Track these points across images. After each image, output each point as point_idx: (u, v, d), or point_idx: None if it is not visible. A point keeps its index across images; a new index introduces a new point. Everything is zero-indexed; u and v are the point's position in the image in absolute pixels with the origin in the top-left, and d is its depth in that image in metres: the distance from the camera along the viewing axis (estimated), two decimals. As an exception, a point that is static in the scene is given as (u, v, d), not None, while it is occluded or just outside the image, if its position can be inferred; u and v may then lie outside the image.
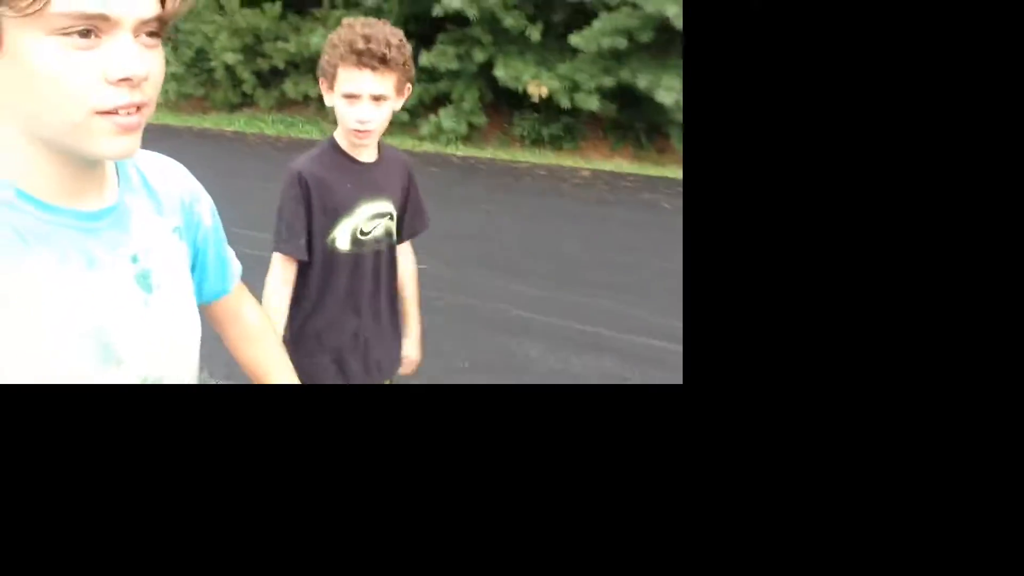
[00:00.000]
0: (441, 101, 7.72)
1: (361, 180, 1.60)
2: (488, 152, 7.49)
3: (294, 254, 1.57)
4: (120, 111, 0.66)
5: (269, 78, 8.87)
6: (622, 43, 6.28)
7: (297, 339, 1.62)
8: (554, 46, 6.86)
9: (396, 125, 7.91)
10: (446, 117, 7.56)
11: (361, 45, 1.44)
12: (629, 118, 7.12)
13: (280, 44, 8.31)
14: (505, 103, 7.73)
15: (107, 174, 0.77)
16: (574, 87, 6.69)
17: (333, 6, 8.23)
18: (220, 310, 1.03)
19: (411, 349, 1.83)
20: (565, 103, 6.74)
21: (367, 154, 1.62)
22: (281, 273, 1.59)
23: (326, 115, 8.45)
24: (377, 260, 1.66)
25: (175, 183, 0.88)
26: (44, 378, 0.67)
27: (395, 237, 1.70)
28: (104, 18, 0.62)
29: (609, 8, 6.39)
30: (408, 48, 1.52)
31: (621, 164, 7.04)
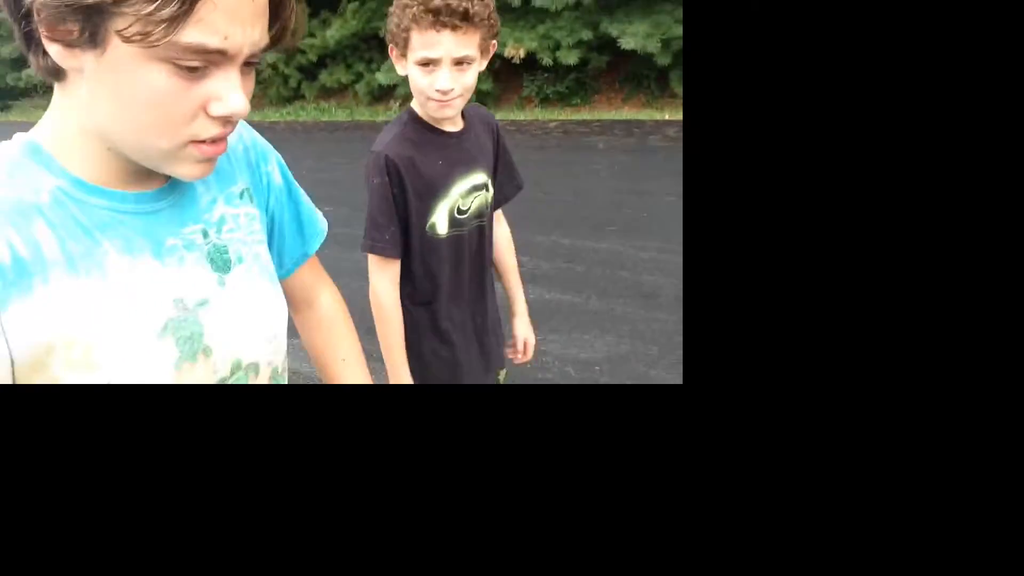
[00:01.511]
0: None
1: (452, 154, 1.38)
2: (502, 114, 8.15)
3: (383, 252, 1.36)
4: (210, 139, 0.63)
5: (310, 70, 9.86)
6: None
7: (416, 338, 1.44)
8: (535, 7, 7.39)
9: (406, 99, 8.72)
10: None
11: (438, 2, 1.22)
12: (612, 68, 7.56)
13: (310, 40, 9.23)
14: (518, 68, 8.33)
15: None
16: (556, 45, 7.23)
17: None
18: (295, 288, 0.92)
19: (524, 328, 1.62)
20: (547, 61, 7.30)
21: (452, 123, 1.40)
22: (384, 275, 1.39)
23: (360, 99, 9.37)
24: (480, 236, 1.46)
25: (237, 142, 0.80)
26: (133, 379, 0.64)
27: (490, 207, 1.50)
28: (222, 54, 0.59)
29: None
30: (488, 1, 1.29)
31: (629, 113, 7.49)
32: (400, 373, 1.41)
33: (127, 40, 0.56)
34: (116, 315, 0.63)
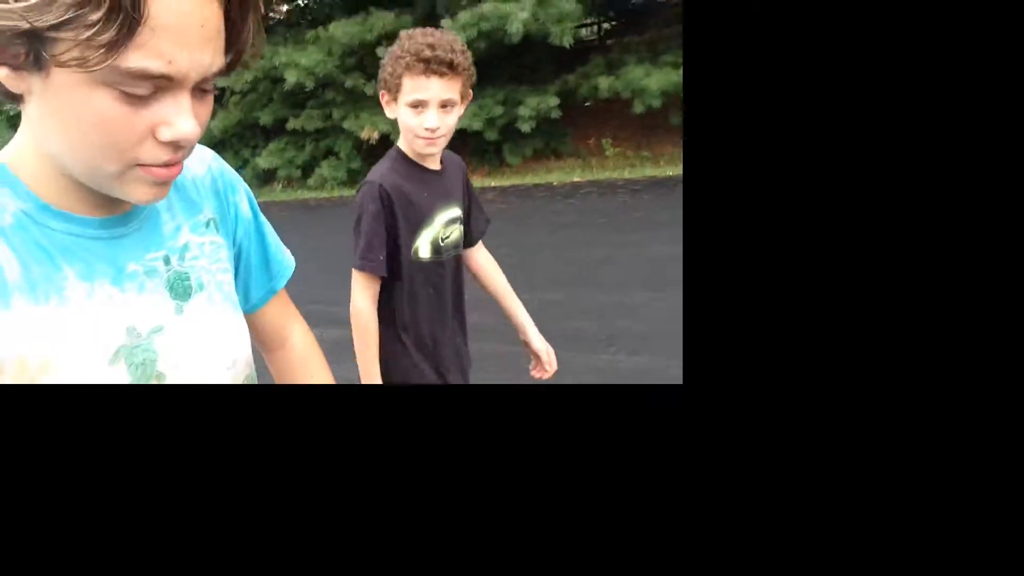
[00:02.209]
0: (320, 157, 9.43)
1: (434, 188, 1.59)
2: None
3: (375, 271, 1.53)
4: (160, 164, 0.61)
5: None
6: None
7: (397, 354, 1.59)
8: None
9: (288, 180, 9.65)
10: (328, 167, 9.24)
11: (428, 53, 1.46)
12: (460, 146, 8.61)
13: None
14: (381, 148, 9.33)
15: None
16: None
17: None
18: (265, 326, 0.92)
19: (540, 341, 1.77)
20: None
21: (433, 162, 1.61)
22: (364, 291, 1.55)
23: (249, 181, 10.22)
24: (456, 266, 1.67)
25: (204, 171, 0.79)
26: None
27: (464, 240, 1.70)
28: (167, 78, 0.57)
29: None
30: (469, 54, 1.55)
31: (478, 180, 8.51)
32: (372, 373, 1.56)
33: (61, 65, 0.55)
34: (69, 340, 0.63)
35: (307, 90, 9.04)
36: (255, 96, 9.69)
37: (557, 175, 7.95)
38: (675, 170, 7.18)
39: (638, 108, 7.21)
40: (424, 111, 1.50)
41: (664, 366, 3.08)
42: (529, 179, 7.96)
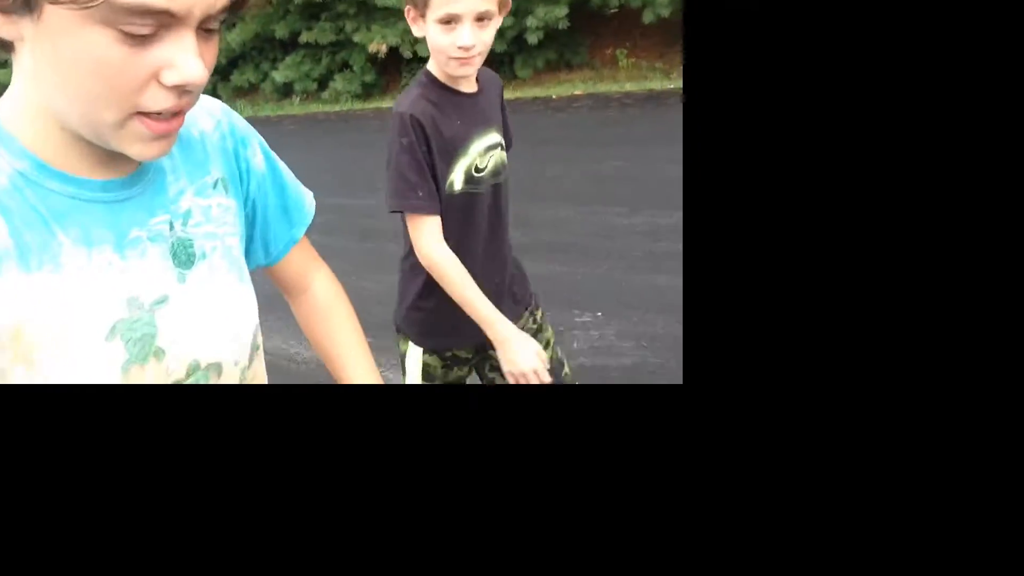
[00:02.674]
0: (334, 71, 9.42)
1: (468, 113, 1.41)
2: (375, 103, 9.12)
3: (415, 209, 1.37)
4: (164, 113, 0.58)
5: (223, 72, 10.79)
6: None
7: (431, 295, 1.44)
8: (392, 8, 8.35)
9: (305, 93, 9.70)
10: (341, 80, 9.25)
11: None
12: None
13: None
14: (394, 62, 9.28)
15: None
16: (415, 39, 8.19)
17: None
18: (286, 274, 0.88)
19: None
20: (407, 54, 8.27)
21: (468, 84, 1.42)
22: (432, 233, 1.37)
23: (267, 96, 10.31)
24: (495, 196, 1.47)
25: (212, 128, 0.74)
26: (79, 379, 0.60)
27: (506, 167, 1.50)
28: (169, 14, 0.53)
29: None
30: None
31: None
32: (492, 319, 1.38)
33: (55, 2, 0.50)
34: (64, 313, 0.59)
35: (320, 2, 8.96)
36: (271, 8, 9.64)
37: (559, 89, 7.87)
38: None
39: (647, 18, 7.05)
40: (457, 27, 1.29)
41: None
42: (536, 92, 7.89)
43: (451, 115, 1.39)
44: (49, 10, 0.52)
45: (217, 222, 0.73)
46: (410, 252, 1.44)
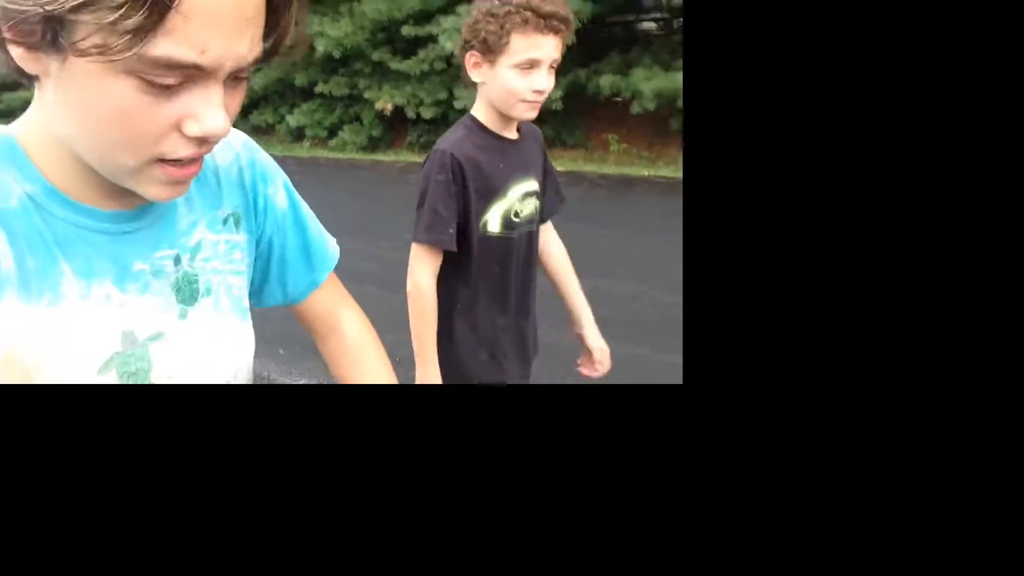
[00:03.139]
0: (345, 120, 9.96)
1: (510, 158, 1.46)
2: (379, 156, 9.59)
3: (443, 244, 1.40)
4: (184, 160, 0.57)
5: (244, 110, 11.32)
6: (440, 66, 8.24)
7: (452, 337, 1.47)
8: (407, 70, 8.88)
9: (315, 139, 10.19)
10: (349, 132, 9.76)
11: (547, 8, 1.32)
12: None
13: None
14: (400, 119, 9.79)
15: None
16: (419, 102, 8.70)
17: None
18: (313, 315, 0.86)
19: (597, 338, 1.64)
20: (411, 114, 8.77)
21: (511, 131, 1.48)
22: (427, 266, 1.42)
23: (281, 138, 10.82)
24: (529, 243, 1.53)
25: (231, 160, 0.73)
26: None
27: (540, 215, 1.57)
28: (198, 69, 0.52)
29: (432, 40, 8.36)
30: None
31: None
32: (428, 360, 1.43)
33: (82, 54, 0.50)
34: (60, 343, 0.59)
35: (339, 58, 9.52)
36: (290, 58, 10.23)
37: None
38: (666, 171, 7.47)
39: (635, 109, 7.49)
40: (535, 71, 1.36)
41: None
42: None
43: (494, 158, 1.45)
44: (70, 59, 0.52)
45: (224, 258, 0.72)
46: (447, 268, 1.46)
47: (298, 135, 10.58)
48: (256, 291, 0.81)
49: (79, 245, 0.61)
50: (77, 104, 0.55)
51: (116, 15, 0.48)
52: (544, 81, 1.37)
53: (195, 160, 0.59)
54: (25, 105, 0.63)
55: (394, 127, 9.91)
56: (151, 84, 0.53)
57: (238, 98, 0.60)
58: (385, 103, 8.77)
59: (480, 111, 1.47)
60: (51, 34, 0.51)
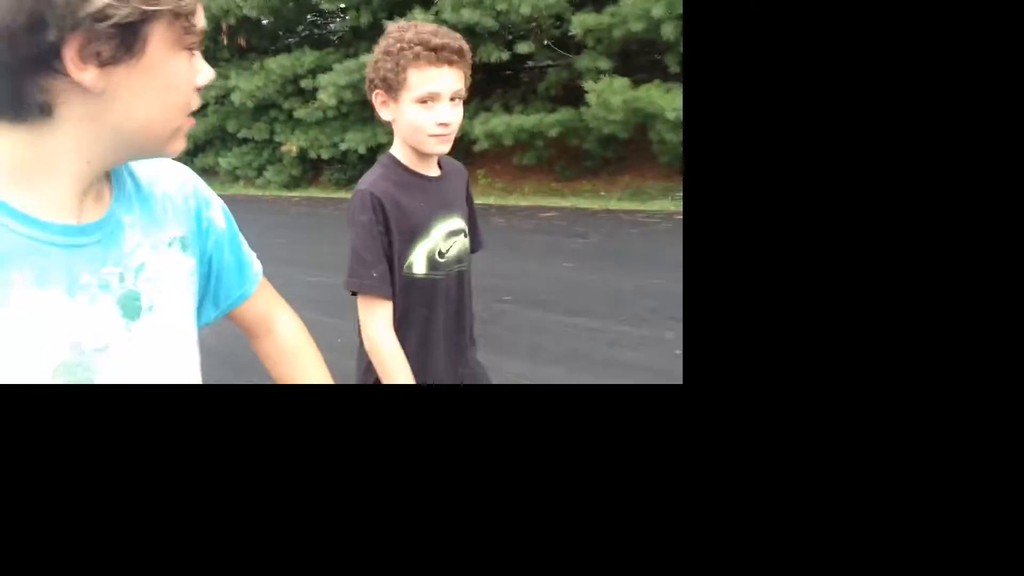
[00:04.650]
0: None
1: (432, 197, 1.43)
2: (300, 192, 10.93)
3: (365, 289, 1.36)
4: (193, 112, 0.71)
5: (192, 152, 12.81)
6: (332, 113, 9.59)
7: (377, 381, 1.41)
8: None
9: (247, 179, 11.60)
10: (272, 171, 11.17)
11: (437, 41, 1.32)
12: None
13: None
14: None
15: (104, 185, 0.72)
16: (320, 144, 10.07)
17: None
18: (249, 319, 0.94)
19: None
20: (313, 155, 10.15)
21: (432, 168, 1.46)
22: (377, 316, 1.37)
23: (221, 178, 12.25)
24: (459, 283, 1.49)
25: (176, 188, 0.81)
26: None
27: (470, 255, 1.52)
28: (203, 32, 0.68)
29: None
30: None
31: None
32: None
33: (177, 42, 0.65)
34: (10, 349, 0.63)
35: (261, 107, 10.95)
36: (225, 108, 11.71)
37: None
38: (506, 201, 8.62)
39: (476, 148, 8.62)
40: (435, 105, 1.36)
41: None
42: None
43: (414, 196, 1.42)
44: (153, 46, 0.64)
45: (169, 279, 0.77)
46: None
47: (235, 176, 12.01)
48: (195, 310, 0.83)
49: (32, 256, 0.65)
50: (152, 90, 0.66)
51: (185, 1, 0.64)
52: (447, 114, 1.37)
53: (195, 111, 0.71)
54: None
55: (315, 166, 11.28)
56: (192, 53, 0.68)
57: None
58: (290, 146, 10.15)
59: (397, 149, 1.47)
60: (127, 42, 0.62)
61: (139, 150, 0.70)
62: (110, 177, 0.73)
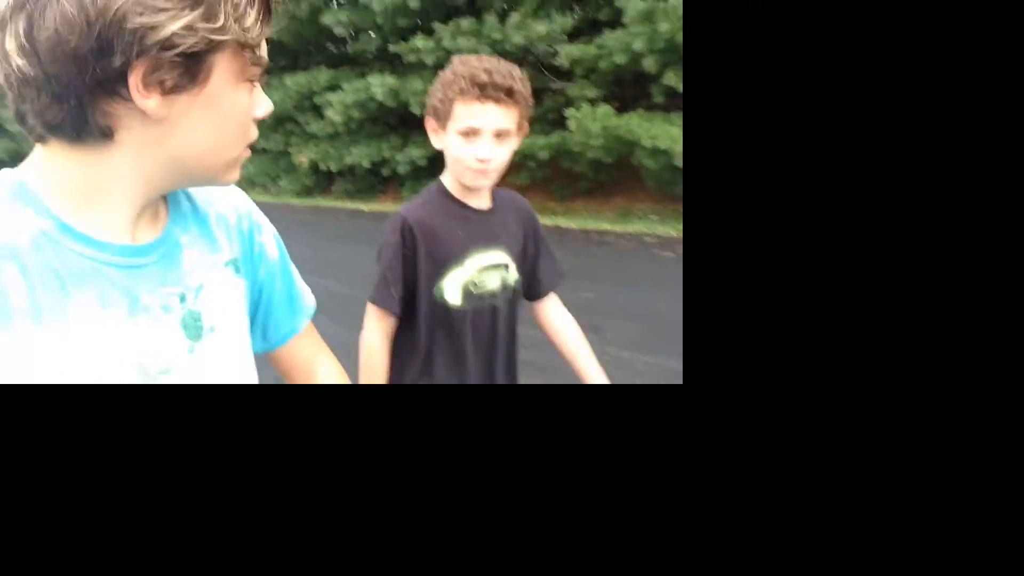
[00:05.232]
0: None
1: (473, 228, 1.46)
2: (314, 202, 11.45)
3: (386, 306, 1.44)
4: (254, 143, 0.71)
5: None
6: (342, 128, 10.09)
7: (427, 375, 1.47)
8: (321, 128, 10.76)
9: (264, 186, 12.15)
10: (286, 180, 11.72)
11: (484, 78, 1.35)
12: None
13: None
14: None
15: (160, 205, 0.73)
16: (329, 157, 10.58)
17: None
18: (290, 362, 0.93)
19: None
20: (324, 167, 10.65)
21: (480, 200, 1.48)
22: (377, 325, 1.45)
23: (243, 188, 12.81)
24: (494, 317, 1.49)
25: (230, 211, 0.82)
26: None
27: (518, 291, 1.54)
28: (265, 65, 0.68)
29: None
30: (528, 83, 1.42)
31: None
32: None
33: (248, 70, 0.66)
34: (74, 371, 0.63)
35: (277, 120, 11.49)
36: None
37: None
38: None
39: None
40: (476, 140, 1.39)
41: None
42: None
43: (452, 224, 1.45)
44: (217, 76, 0.64)
45: (226, 299, 0.78)
46: (402, 329, 1.49)
47: (252, 183, 12.60)
48: None
49: (93, 277, 0.66)
50: (212, 120, 0.66)
51: (251, 33, 0.64)
52: (487, 150, 1.38)
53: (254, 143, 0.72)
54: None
55: (329, 178, 11.81)
56: (253, 84, 0.69)
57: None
58: (301, 157, 10.67)
59: (446, 177, 1.50)
60: (192, 71, 0.63)
61: (196, 178, 0.71)
62: (166, 198, 0.75)
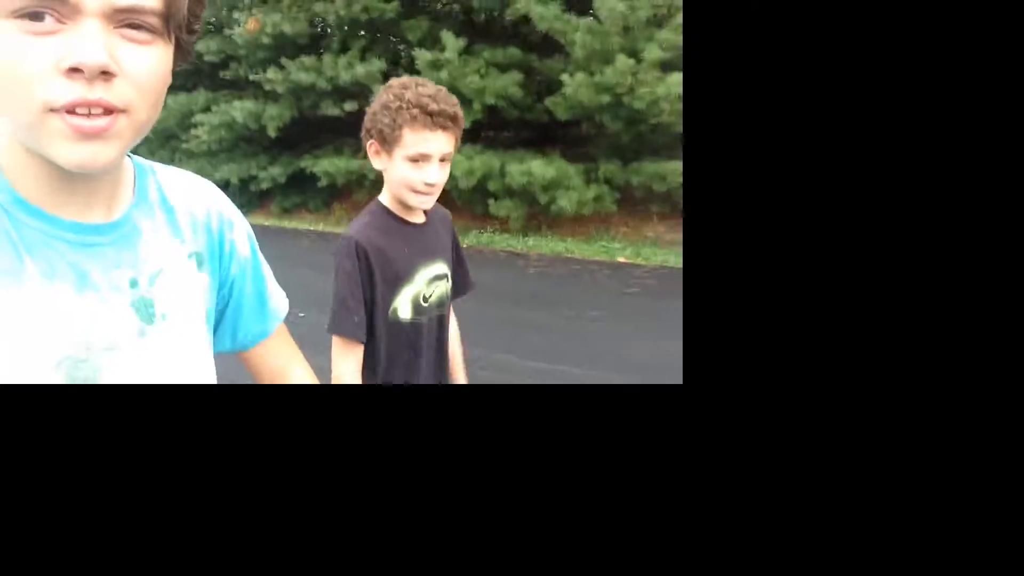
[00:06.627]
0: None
1: (416, 243, 1.54)
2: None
3: (353, 335, 1.45)
4: (78, 109, 0.58)
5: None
6: (223, 144, 11.07)
7: None
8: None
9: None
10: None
11: (433, 106, 1.41)
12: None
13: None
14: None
15: (119, 187, 0.71)
16: (204, 172, 11.45)
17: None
18: (262, 366, 0.92)
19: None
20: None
21: (417, 215, 1.55)
22: (347, 358, 1.47)
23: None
24: (440, 326, 1.60)
25: (200, 203, 0.80)
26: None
27: (450, 299, 1.61)
28: (62, 3, 0.56)
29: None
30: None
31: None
32: None
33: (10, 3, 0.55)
34: (20, 334, 0.63)
35: (164, 137, 12.45)
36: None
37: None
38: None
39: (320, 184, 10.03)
40: (425, 165, 1.45)
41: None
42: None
43: (398, 243, 1.52)
44: None
45: (185, 291, 0.76)
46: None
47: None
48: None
49: (43, 249, 0.65)
50: None
51: None
52: (435, 175, 1.46)
53: (95, 113, 0.59)
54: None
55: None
56: (22, 20, 0.56)
57: (146, 58, 0.61)
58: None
59: (386, 196, 1.55)
60: None
61: (24, 139, 0.63)
62: (134, 184, 0.73)
